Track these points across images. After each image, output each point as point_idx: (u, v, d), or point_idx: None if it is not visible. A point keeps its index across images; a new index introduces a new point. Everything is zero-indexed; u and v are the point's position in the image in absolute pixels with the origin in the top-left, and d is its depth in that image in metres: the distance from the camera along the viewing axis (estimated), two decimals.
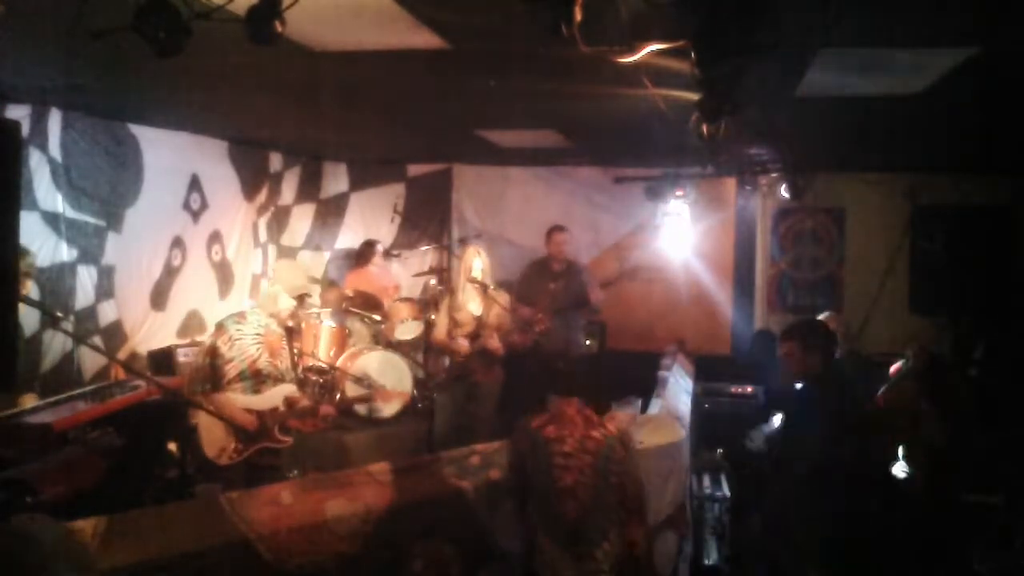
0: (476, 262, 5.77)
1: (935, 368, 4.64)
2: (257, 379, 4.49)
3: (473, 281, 5.73)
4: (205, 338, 5.53)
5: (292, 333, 4.78)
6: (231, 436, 4.36)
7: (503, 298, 5.86)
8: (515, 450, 3.43)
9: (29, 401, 4.29)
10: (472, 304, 5.79)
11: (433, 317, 6.43)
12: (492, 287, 5.79)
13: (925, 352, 4.75)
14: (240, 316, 4.61)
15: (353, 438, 6.33)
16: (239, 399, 4.41)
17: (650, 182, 7.49)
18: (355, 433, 6.41)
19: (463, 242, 8.04)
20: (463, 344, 5.75)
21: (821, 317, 5.80)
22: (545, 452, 3.25)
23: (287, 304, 4.62)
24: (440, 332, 5.93)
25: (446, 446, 4.76)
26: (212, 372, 4.45)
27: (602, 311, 7.29)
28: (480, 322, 5.78)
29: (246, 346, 4.48)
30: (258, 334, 4.54)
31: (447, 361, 5.96)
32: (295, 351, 4.74)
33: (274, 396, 4.52)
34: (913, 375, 4.70)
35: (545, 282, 6.76)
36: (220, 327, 4.56)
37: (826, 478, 3.56)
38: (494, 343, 5.74)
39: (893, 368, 4.83)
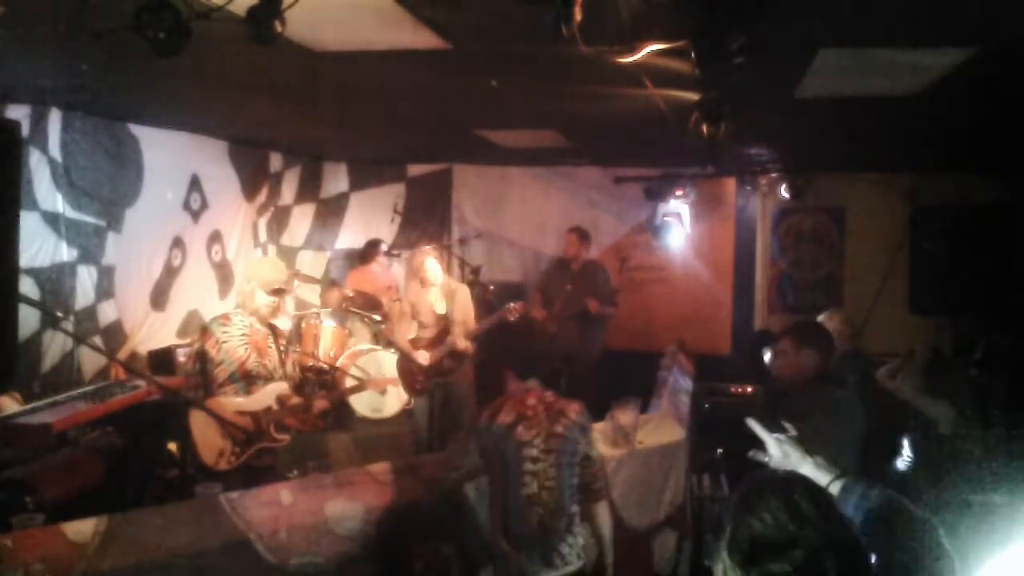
0: (429, 263, 5.72)
1: (937, 363, 4.59)
2: (247, 380, 4.49)
3: (460, 282, 5.70)
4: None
5: (276, 330, 4.77)
6: (227, 440, 4.35)
7: (464, 291, 5.83)
8: (482, 452, 3.41)
9: (9, 403, 4.21)
10: (436, 303, 5.75)
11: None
12: (478, 280, 5.76)
13: (928, 349, 4.71)
14: (224, 318, 4.59)
15: (352, 438, 6.34)
16: (232, 402, 4.41)
17: (650, 182, 7.50)
18: (354, 433, 6.42)
19: (463, 242, 8.06)
20: (423, 356, 5.68)
21: (822, 316, 5.78)
22: (516, 458, 3.25)
23: (264, 300, 4.60)
24: (401, 339, 5.84)
25: (426, 451, 4.75)
26: (203, 378, 4.44)
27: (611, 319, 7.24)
28: (447, 319, 5.74)
29: (233, 348, 4.47)
30: (244, 334, 4.53)
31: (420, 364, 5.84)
32: (281, 348, 4.73)
33: (266, 396, 4.52)
34: (915, 369, 4.64)
35: (563, 282, 6.81)
36: (206, 331, 4.54)
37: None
38: (462, 343, 5.67)
39: (881, 372, 4.73)
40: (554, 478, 3.25)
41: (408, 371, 5.86)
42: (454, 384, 5.76)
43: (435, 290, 5.73)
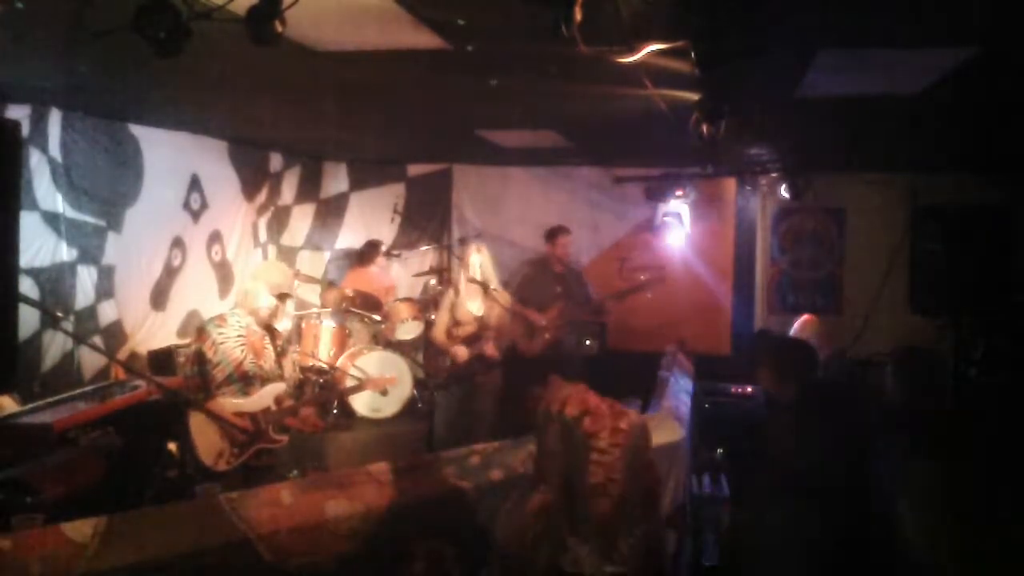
0: (474, 258, 5.73)
1: (913, 358, 4.51)
2: (245, 381, 4.50)
3: (472, 280, 5.70)
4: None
5: (272, 331, 4.78)
6: (226, 441, 4.36)
7: (504, 298, 5.84)
8: (552, 439, 3.36)
9: (8, 403, 4.20)
10: (473, 304, 5.77)
11: (433, 316, 6.43)
12: (493, 287, 5.76)
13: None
14: (220, 319, 4.60)
15: (353, 438, 6.34)
16: (230, 403, 4.41)
17: (650, 182, 7.51)
18: (355, 433, 6.42)
19: (463, 242, 8.05)
20: (461, 350, 5.71)
21: (798, 322, 5.77)
22: (583, 446, 3.22)
23: (267, 302, 4.61)
24: (439, 332, 5.91)
25: (446, 446, 4.76)
26: (202, 380, 4.45)
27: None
28: (482, 322, 5.76)
29: (230, 349, 4.48)
30: (240, 335, 4.54)
31: (448, 360, 5.94)
32: (278, 349, 4.75)
33: (264, 396, 4.53)
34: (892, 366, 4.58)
35: (551, 285, 6.70)
36: (202, 332, 4.56)
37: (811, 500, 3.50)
38: (490, 349, 5.69)
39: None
40: (620, 471, 3.23)
41: (435, 364, 5.88)
42: (479, 385, 5.78)
43: (476, 289, 5.71)
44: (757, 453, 4.19)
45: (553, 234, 6.68)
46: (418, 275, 8.15)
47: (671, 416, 4.83)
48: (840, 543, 3.43)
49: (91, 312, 5.66)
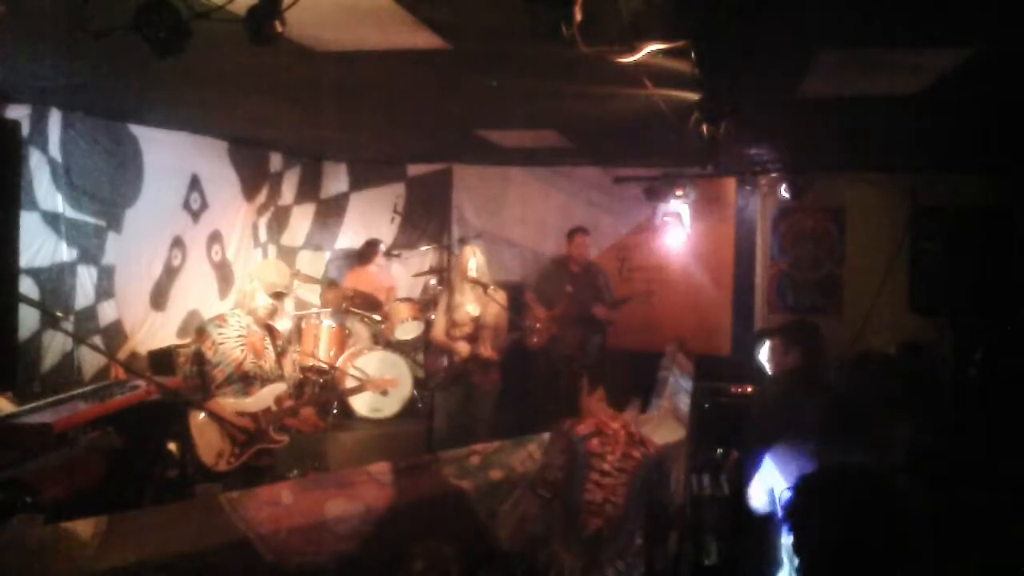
0: (472, 261, 5.75)
1: (912, 359, 4.54)
2: (245, 381, 4.50)
3: (471, 280, 5.72)
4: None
5: (273, 331, 4.78)
6: (227, 441, 4.36)
7: (501, 297, 5.86)
8: (555, 451, 3.36)
9: (3, 405, 4.20)
10: (470, 305, 5.78)
11: (433, 317, 6.44)
12: (491, 287, 5.77)
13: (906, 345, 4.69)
14: (220, 319, 4.61)
15: (353, 438, 6.35)
16: (231, 403, 4.41)
17: (650, 182, 7.50)
18: (355, 433, 6.43)
19: (463, 242, 8.05)
20: (463, 346, 5.74)
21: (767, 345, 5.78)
22: (584, 464, 3.22)
23: (264, 302, 4.62)
24: (438, 332, 5.93)
25: (445, 446, 4.77)
26: (202, 380, 4.46)
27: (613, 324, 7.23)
28: (478, 323, 5.77)
29: (230, 349, 4.49)
30: (240, 336, 4.54)
31: (446, 361, 5.95)
32: (278, 349, 4.75)
33: (265, 397, 4.53)
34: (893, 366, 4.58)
35: (563, 283, 6.79)
36: (202, 332, 4.56)
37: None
38: (486, 350, 5.72)
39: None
40: (622, 496, 3.21)
41: (435, 364, 5.90)
42: (477, 385, 5.79)
43: (472, 290, 5.73)
44: (757, 423, 4.18)
45: (571, 234, 7.03)
46: (418, 275, 8.15)
47: (671, 416, 4.84)
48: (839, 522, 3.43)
49: (91, 312, 5.66)
